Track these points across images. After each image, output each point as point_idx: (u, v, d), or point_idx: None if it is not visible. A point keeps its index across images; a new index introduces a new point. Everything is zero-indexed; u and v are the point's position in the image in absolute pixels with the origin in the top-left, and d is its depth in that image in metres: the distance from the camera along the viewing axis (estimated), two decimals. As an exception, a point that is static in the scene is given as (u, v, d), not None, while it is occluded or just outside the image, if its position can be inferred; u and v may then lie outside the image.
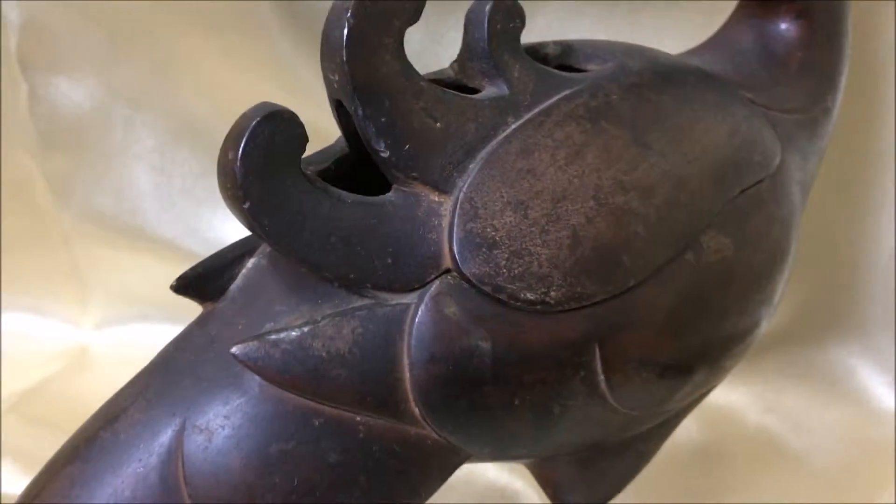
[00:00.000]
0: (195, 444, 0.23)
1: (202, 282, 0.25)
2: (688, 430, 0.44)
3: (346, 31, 0.22)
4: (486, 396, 0.24)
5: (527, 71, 0.25)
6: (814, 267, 0.44)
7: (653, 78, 0.27)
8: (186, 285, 0.25)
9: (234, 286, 0.25)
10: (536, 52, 0.29)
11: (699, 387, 0.28)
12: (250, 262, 0.26)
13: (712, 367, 0.27)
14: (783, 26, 0.32)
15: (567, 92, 0.26)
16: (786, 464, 0.43)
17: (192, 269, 0.25)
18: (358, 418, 0.24)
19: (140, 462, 0.23)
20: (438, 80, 0.26)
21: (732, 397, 0.46)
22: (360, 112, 0.23)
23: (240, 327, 0.24)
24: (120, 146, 0.38)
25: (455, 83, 0.26)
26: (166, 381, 0.24)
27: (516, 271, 0.23)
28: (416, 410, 0.24)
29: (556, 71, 0.26)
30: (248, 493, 0.23)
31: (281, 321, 0.24)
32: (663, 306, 0.25)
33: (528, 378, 0.24)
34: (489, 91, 0.25)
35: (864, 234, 0.44)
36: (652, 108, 0.26)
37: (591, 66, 0.28)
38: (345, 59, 0.23)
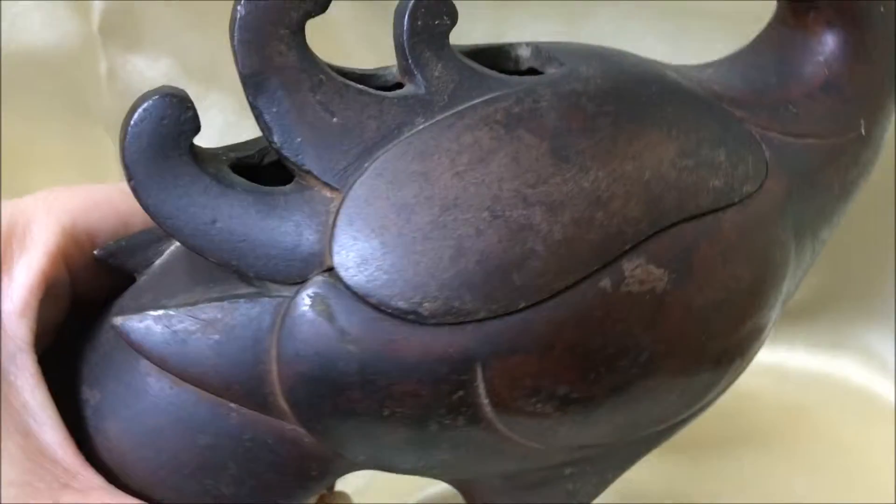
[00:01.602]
0: (86, 403, 0.25)
1: (125, 255, 0.26)
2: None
3: (236, 21, 0.23)
4: (352, 402, 0.23)
5: (450, 71, 0.24)
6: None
7: (600, 87, 0.25)
8: (108, 256, 0.26)
9: (157, 262, 0.26)
10: (508, 54, 0.27)
11: (623, 430, 0.25)
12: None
13: (634, 411, 0.25)
14: (812, 37, 0.28)
15: (492, 95, 0.24)
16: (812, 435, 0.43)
17: (117, 241, 0.26)
18: (232, 405, 0.24)
19: None
20: (369, 77, 0.25)
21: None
22: (252, 101, 0.23)
23: (143, 301, 0.25)
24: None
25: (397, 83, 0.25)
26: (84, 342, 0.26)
27: (390, 279, 0.22)
28: (285, 406, 0.23)
29: (490, 73, 0.25)
30: (120, 461, 0.24)
31: (175, 299, 0.24)
32: (564, 334, 0.23)
33: (398, 389, 0.23)
34: (405, 89, 0.24)
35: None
36: (584, 119, 0.24)
37: (548, 70, 0.26)
38: (235, 48, 0.23)
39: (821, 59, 0.28)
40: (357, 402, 0.23)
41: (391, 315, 0.22)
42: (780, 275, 0.26)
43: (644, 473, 0.41)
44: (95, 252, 0.26)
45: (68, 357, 0.26)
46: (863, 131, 0.28)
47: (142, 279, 0.26)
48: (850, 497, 0.41)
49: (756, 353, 0.27)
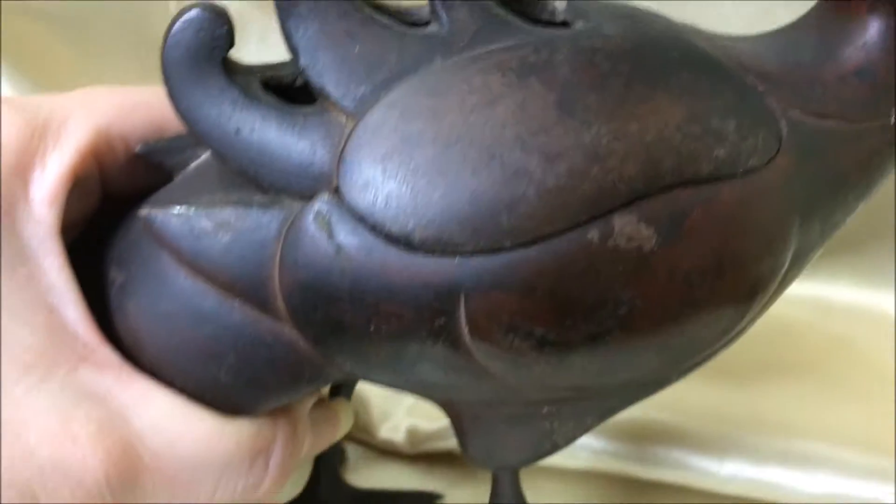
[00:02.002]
0: (112, 283, 0.27)
1: (164, 154, 0.28)
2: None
3: None
4: (342, 313, 0.25)
5: (474, 15, 0.25)
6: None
7: (619, 45, 0.25)
8: (148, 152, 0.28)
9: (192, 165, 0.28)
10: (546, 5, 0.28)
11: (597, 377, 0.26)
12: None
13: (609, 361, 0.26)
14: (855, 22, 0.28)
15: (511, 43, 0.25)
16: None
17: (158, 141, 0.28)
18: (236, 302, 0.26)
19: None
20: (403, 14, 0.26)
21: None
22: (282, 23, 0.25)
23: (173, 198, 0.27)
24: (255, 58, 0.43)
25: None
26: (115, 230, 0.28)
27: (388, 205, 0.24)
28: (283, 309, 0.25)
29: (515, 21, 0.25)
30: (136, 338, 0.27)
31: (199, 200, 0.26)
32: (546, 278, 0.24)
33: (384, 308, 0.25)
34: (429, 28, 0.25)
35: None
36: (596, 76, 0.25)
37: (576, 25, 0.27)
38: None
39: (860, 43, 0.28)
40: (346, 314, 0.25)
41: (385, 238, 0.24)
42: (776, 253, 0.26)
43: (691, 394, 0.43)
44: (137, 148, 0.28)
45: (101, 244, 0.28)
46: (891, 121, 0.28)
47: (177, 179, 0.28)
48: (891, 427, 0.42)
49: (742, 326, 0.27)
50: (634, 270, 0.24)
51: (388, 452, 0.45)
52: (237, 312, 0.26)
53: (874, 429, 0.43)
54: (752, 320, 0.29)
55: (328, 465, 0.41)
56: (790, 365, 0.47)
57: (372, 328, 0.25)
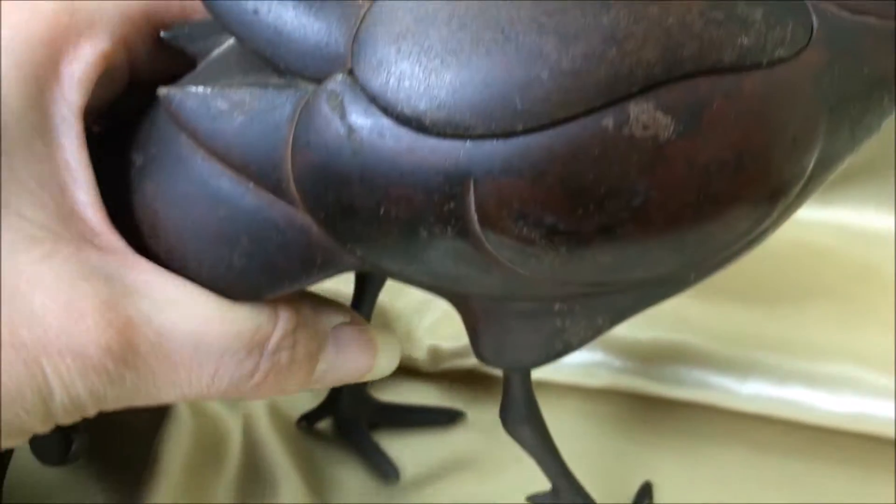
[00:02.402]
0: (132, 164, 0.27)
1: (188, 39, 0.28)
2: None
3: None
4: (352, 196, 0.25)
5: None
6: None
7: None
8: (173, 38, 0.28)
9: (216, 51, 0.28)
10: None
11: (609, 272, 0.26)
12: None
13: (621, 255, 0.25)
14: None
15: None
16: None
17: (182, 26, 0.28)
18: (250, 184, 0.26)
19: None
20: None
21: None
22: None
23: (193, 82, 0.27)
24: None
25: None
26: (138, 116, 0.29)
27: (400, 85, 0.24)
28: (294, 192, 0.25)
29: None
30: (153, 219, 0.27)
31: (218, 82, 0.26)
32: (558, 165, 0.24)
33: (394, 191, 0.24)
34: None
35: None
36: None
37: None
38: None
39: None
40: (356, 196, 0.25)
41: (396, 119, 0.24)
42: (800, 152, 0.26)
43: (712, 315, 0.43)
44: (162, 34, 0.28)
45: (124, 130, 0.28)
46: None
47: (200, 66, 0.28)
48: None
49: (763, 228, 0.27)
50: (650, 160, 0.24)
51: (409, 370, 0.46)
52: (251, 195, 0.26)
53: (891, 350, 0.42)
54: (775, 225, 0.28)
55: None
56: (815, 289, 0.46)
57: (382, 212, 0.25)
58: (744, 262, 0.53)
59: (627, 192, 0.24)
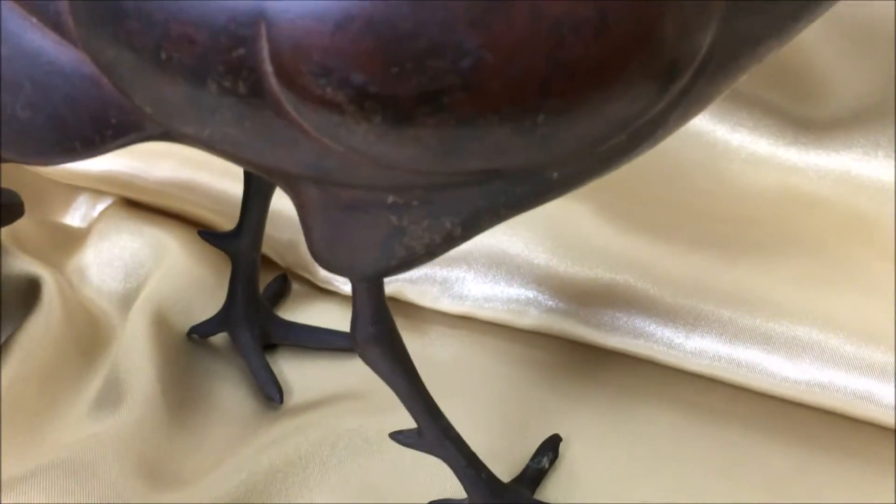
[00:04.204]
0: None
1: None
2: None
3: None
4: (130, 34, 0.21)
5: None
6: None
7: None
8: None
9: None
10: None
11: (440, 158, 0.21)
12: None
13: (451, 134, 0.20)
14: None
15: None
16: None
17: None
18: (33, 19, 0.23)
19: None
20: None
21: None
22: None
23: None
24: None
25: None
26: None
27: None
28: (71, 25, 0.22)
29: None
30: None
31: None
32: (367, 6, 0.19)
33: (175, 30, 0.20)
34: None
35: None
36: None
37: None
38: None
39: None
40: (135, 34, 0.21)
41: None
42: (686, 21, 0.20)
43: (667, 260, 0.39)
44: None
45: None
46: None
47: None
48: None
49: (644, 118, 0.21)
50: (482, 8, 0.19)
51: (328, 292, 0.41)
52: (34, 32, 0.23)
53: (875, 320, 0.36)
54: (666, 123, 0.22)
55: (247, 284, 0.37)
56: (795, 242, 0.40)
57: (163, 56, 0.21)
58: (715, 201, 0.47)
59: (454, 49, 0.19)
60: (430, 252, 0.24)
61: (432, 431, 0.29)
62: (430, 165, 0.22)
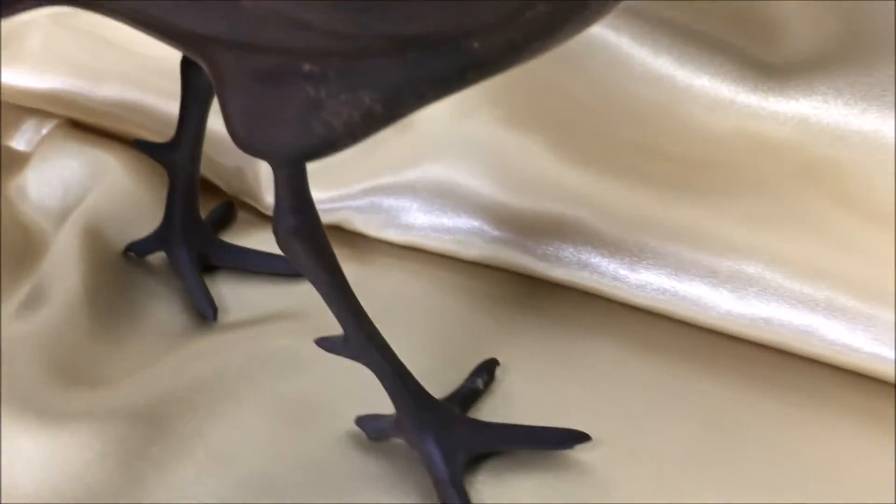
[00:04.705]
0: None
1: None
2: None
3: None
4: None
5: None
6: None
7: None
8: None
9: None
10: None
11: (353, 17, 0.20)
12: None
13: None
14: None
15: None
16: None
17: None
18: None
19: None
20: None
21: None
22: None
23: None
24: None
25: None
26: None
27: None
28: None
29: None
30: None
31: None
32: None
33: None
34: None
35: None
36: None
37: None
38: None
39: None
40: None
41: None
42: None
43: (612, 186, 0.37)
44: None
45: None
46: None
47: None
48: (841, 258, 0.36)
49: None
50: None
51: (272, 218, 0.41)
52: None
53: (822, 258, 0.36)
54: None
55: (185, 201, 0.36)
56: (750, 183, 0.39)
57: None
58: (672, 143, 0.46)
59: None
60: (350, 132, 0.24)
61: (357, 336, 0.28)
62: (345, 26, 0.21)
